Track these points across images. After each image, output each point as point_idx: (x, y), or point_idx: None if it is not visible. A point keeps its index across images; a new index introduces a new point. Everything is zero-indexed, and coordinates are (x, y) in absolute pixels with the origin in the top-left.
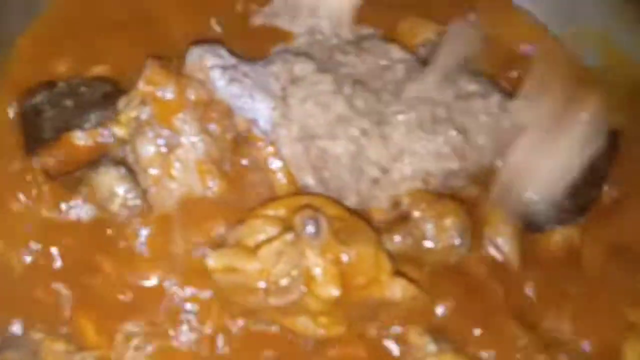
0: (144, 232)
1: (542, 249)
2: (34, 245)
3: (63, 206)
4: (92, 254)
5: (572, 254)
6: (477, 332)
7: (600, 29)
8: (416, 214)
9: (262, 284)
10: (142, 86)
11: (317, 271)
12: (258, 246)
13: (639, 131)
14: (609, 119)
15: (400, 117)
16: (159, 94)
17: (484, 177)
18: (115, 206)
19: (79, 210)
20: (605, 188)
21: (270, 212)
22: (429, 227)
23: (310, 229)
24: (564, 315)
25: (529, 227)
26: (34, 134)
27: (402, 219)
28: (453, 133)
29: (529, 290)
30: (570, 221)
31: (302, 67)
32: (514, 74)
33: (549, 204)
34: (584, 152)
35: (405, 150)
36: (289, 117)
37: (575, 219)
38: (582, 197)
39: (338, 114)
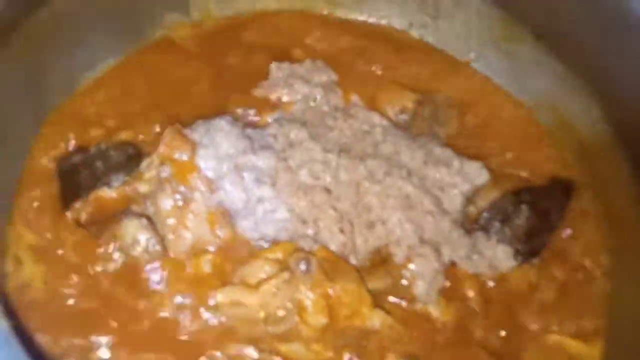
0: (162, 273)
1: (504, 286)
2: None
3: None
4: (120, 293)
5: (530, 289)
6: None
7: (550, 97)
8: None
9: (262, 315)
10: (162, 149)
11: (308, 303)
12: (259, 283)
13: (588, 184)
14: (563, 172)
15: (376, 188)
16: (176, 156)
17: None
18: (137, 251)
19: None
20: (557, 233)
21: (269, 255)
22: (405, 272)
23: (303, 267)
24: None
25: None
26: (70, 190)
27: (382, 262)
28: (427, 198)
29: (494, 325)
30: (526, 261)
31: (296, 133)
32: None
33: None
34: None
35: (384, 218)
36: (290, 169)
37: (530, 259)
38: (536, 241)
39: (325, 187)
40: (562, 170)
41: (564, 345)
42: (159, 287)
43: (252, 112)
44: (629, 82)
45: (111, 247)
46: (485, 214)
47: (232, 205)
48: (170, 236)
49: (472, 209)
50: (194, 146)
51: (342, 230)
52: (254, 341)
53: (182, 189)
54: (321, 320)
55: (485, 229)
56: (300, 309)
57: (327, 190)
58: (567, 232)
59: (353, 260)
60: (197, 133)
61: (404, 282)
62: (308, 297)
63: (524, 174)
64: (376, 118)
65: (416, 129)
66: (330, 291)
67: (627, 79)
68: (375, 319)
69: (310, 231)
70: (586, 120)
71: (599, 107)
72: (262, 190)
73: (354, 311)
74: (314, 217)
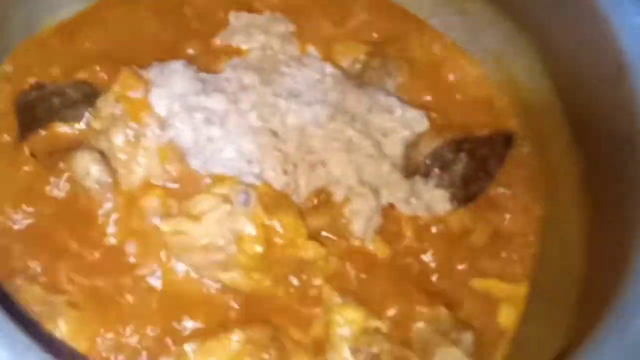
0: (112, 204)
1: (441, 228)
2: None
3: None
4: (66, 221)
5: (464, 232)
6: (381, 293)
7: (498, 54)
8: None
9: (202, 243)
10: (117, 87)
11: (246, 232)
12: (202, 214)
13: (527, 137)
14: (505, 125)
15: (320, 132)
16: (130, 94)
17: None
18: (89, 183)
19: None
20: (493, 182)
21: (214, 189)
22: (344, 211)
23: (242, 199)
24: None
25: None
26: (26, 123)
27: (324, 202)
28: (368, 143)
29: (429, 265)
30: (462, 206)
31: (249, 78)
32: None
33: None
34: None
35: (325, 160)
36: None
37: (466, 204)
38: (473, 187)
39: (272, 130)
40: (504, 123)
41: (492, 285)
42: (108, 218)
43: (209, 58)
44: (570, 41)
45: (64, 177)
46: (426, 161)
47: (183, 144)
48: (122, 171)
49: (414, 155)
50: (147, 85)
51: (285, 171)
52: (197, 268)
53: (134, 125)
54: (257, 248)
55: (425, 175)
56: (238, 238)
57: (274, 133)
58: (504, 180)
59: (296, 200)
60: (152, 73)
61: (343, 220)
62: (246, 227)
63: (467, 125)
64: (328, 68)
65: (367, 79)
66: (268, 222)
67: (568, 38)
68: (310, 250)
69: (255, 170)
70: (530, 77)
71: (542, 64)
72: (211, 130)
73: (289, 241)
74: (259, 158)
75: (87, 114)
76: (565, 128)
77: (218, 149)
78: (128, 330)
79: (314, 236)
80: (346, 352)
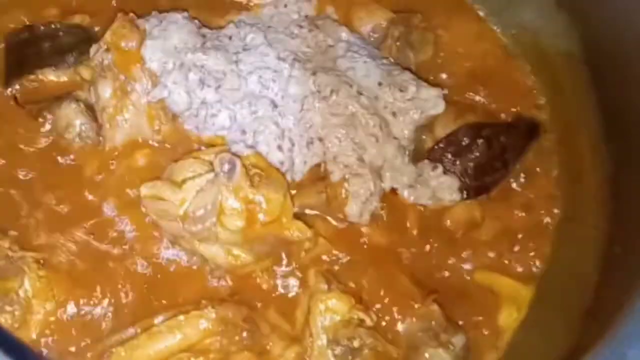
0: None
1: (445, 220)
2: None
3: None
4: (46, 172)
5: (471, 226)
6: (371, 283)
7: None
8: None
9: (181, 212)
10: (109, 35)
11: (227, 205)
12: (184, 181)
13: (554, 129)
14: (532, 112)
15: (321, 105)
16: (122, 44)
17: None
18: (71, 135)
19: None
20: (512, 174)
21: (201, 155)
22: (341, 191)
23: (226, 168)
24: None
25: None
26: (14, 67)
27: (321, 178)
28: (374, 121)
29: (426, 256)
30: (471, 198)
31: (252, 37)
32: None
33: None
34: None
35: (323, 136)
36: (240, 73)
37: (477, 197)
38: (487, 179)
39: (271, 99)
40: (531, 110)
41: (496, 281)
42: (88, 174)
43: (216, 12)
44: (610, 23)
45: (46, 126)
46: (439, 144)
47: (175, 106)
48: (107, 125)
49: (426, 139)
50: (142, 36)
51: (280, 148)
52: (175, 238)
53: (123, 78)
54: (237, 223)
55: (434, 159)
56: (219, 210)
57: (273, 103)
58: (523, 175)
59: (290, 179)
60: (149, 24)
61: (338, 201)
62: (227, 199)
63: (490, 108)
64: (344, 33)
65: (386, 50)
66: (252, 197)
67: (609, 17)
68: (295, 230)
69: (249, 142)
70: (565, 61)
71: (580, 45)
72: (204, 92)
73: (273, 219)
74: (254, 129)
75: (77, 63)
76: (596, 120)
77: (211, 114)
78: (98, 295)
79: (300, 216)
80: (323, 343)
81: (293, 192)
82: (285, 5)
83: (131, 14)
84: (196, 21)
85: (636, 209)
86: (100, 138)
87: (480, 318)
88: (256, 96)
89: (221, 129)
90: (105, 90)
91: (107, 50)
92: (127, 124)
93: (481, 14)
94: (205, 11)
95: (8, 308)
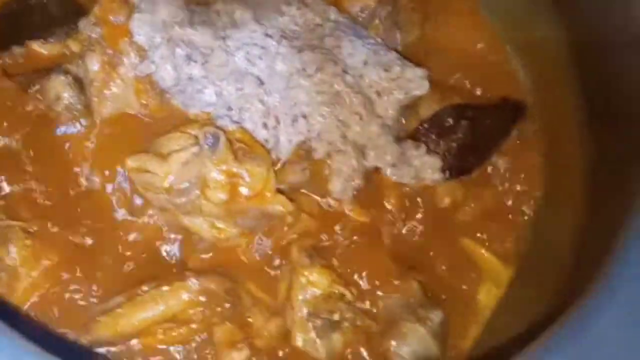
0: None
1: (427, 199)
2: None
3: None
4: (33, 145)
5: (453, 206)
6: (352, 259)
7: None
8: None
9: (166, 185)
10: (97, 9)
11: (210, 178)
12: (169, 154)
13: (538, 112)
14: (516, 95)
15: (306, 83)
16: (111, 18)
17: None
18: (59, 107)
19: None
20: (494, 156)
21: (188, 129)
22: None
23: (210, 141)
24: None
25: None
26: (3, 38)
27: (305, 156)
28: (358, 99)
29: (407, 235)
30: (454, 177)
31: (241, 13)
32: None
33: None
34: None
35: (307, 113)
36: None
37: (460, 177)
38: (470, 159)
39: (257, 76)
40: (516, 93)
41: (479, 253)
42: (75, 145)
43: None
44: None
45: (35, 98)
46: (423, 125)
47: (162, 83)
48: (95, 99)
49: (410, 119)
50: (131, 10)
51: (265, 126)
52: (158, 209)
53: (110, 51)
54: (220, 196)
55: (418, 139)
56: (203, 184)
57: (259, 81)
58: (505, 156)
59: (275, 157)
60: None
61: (321, 178)
62: (211, 171)
63: (475, 91)
64: (332, 13)
65: (374, 30)
66: (235, 170)
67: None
68: (277, 204)
69: (234, 118)
70: (551, 45)
71: (564, 31)
72: (191, 68)
73: (256, 193)
74: (240, 106)
75: (67, 36)
76: (581, 106)
77: (197, 90)
78: (84, 266)
79: (283, 192)
80: (304, 315)
81: (277, 168)
82: None
83: None
84: None
85: (614, 196)
86: (88, 112)
87: (464, 287)
88: (242, 73)
89: (207, 105)
90: (94, 64)
91: (96, 24)
92: (114, 98)
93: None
94: None
95: None
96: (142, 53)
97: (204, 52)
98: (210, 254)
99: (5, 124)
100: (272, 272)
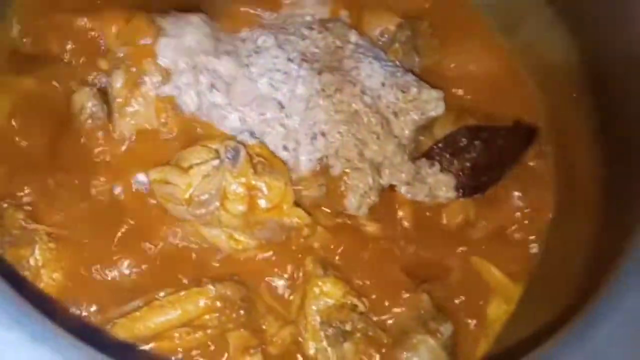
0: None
1: (440, 216)
2: None
3: None
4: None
5: (465, 224)
6: (365, 272)
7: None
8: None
9: (186, 196)
10: (125, 30)
11: (230, 190)
12: (190, 167)
13: (550, 137)
14: (529, 119)
15: (325, 103)
16: (138, 39)
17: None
18: (83, 117)
19: None
20: (507, 176)
21: (209, 143)
22: (340, 184)
23: (230, 155)
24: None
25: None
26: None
27: (321, 172)
28: (376, 119)
29: (422, 249)
30: (467, 196)
31: (264, 40)
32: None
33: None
34: None
35: (325, 131)
36: (251, 76)
37: (472, 195)
38: (483, 178)
39: (279, 101)
40: (529, 116)
41: (487, 271)
42: (98, 157)
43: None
44: (610, 33)
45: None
46: (438, 144)
47: (185, 107)
48: (117, 114)
49: (425, 139)
50: (158, 33)
51: (286, 148)
52: (179, 221)
53: (134, 70)
54: (239, 207)
55: (433, 158)
56: (222, 196)
57: (280, 105)
58: (517, 177)
59: (294, 176)
60: (166, 21)
61: (338, 193)
62: (231, 184)
63: (490, 113)
64: (353, 36)
65: (393, 53)
66: (254, 183)
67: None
68: (294, 217)
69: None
70: (564, 69)
71: (578, 55)
72: (214, 96)
73: (274, 205)
74: (262, 131)
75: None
76: (594, 130)
77: (222, 115)
78: (104, 271)
79: (300, 206)
80: (316, 324)
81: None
82: (302, 7)
83: (153, 14)
84: (214, 24)
85: (625, 217)
86: (110, 126)
87: (471, 306)
88: (266, 98)
89: (232, 130)
90: (117, 81)
91: (123, 44)
92: (135, 114)
93: (486, 25)
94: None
95: (19, 273)
96: (164, 73)
97: (227, 81)
98: (227, 263)
99: (31, 131)
100: (287, 282)
